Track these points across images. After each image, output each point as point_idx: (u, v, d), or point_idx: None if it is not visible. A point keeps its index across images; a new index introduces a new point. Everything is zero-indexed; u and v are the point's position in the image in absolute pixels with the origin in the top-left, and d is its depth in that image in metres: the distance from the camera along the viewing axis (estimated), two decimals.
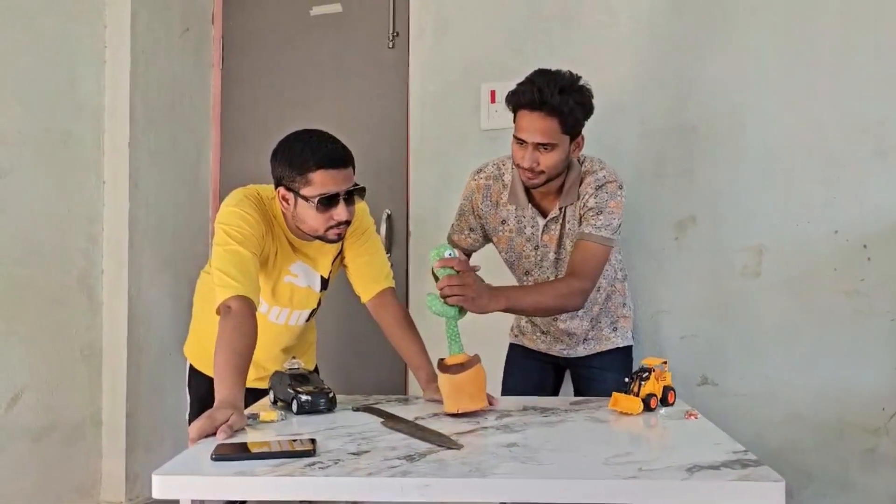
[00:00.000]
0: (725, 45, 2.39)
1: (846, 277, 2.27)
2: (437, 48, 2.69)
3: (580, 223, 1.90)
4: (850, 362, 2.26)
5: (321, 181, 1.65)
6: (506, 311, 1.73)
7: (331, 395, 1.61)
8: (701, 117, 2.41)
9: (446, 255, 1.60)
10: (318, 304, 1.94)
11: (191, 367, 2.02)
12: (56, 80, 2.46)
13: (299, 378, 1.63)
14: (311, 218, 1.68)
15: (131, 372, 2.62)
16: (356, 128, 2.68)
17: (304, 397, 1.58)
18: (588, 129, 2.50)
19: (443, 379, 1.57)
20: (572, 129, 1.81)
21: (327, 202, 1.66)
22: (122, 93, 2.62)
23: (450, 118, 2.67)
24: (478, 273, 1.66)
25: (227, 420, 1.39)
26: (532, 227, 1.97)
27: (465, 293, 1.59)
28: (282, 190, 1.70)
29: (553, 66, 2.53)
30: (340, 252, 1.90)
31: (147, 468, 2.64)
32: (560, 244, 1.97)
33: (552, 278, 2.01)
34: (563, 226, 1.94)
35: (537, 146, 1.79)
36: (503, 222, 2.00)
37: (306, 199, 1.66)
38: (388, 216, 2.75)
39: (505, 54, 2.60)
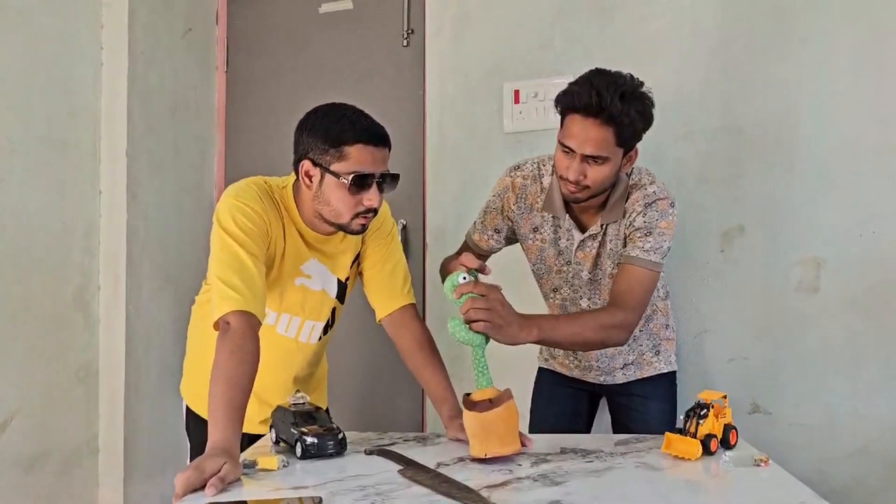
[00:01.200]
0: (778, 38, 2.16)
1: None
2: (456, 46, 2.50)
3: (624, 243, 1.68)
4: None
5: (358, 157, 1.46)
6: (538, 342, 1.50)
7: (340, 436, 1.40)
8: (750, 117, 2.19)
9: (460, 280, 1.38)
10: (333, 318, 1.73)
11: (188, 408, 1.79)
12: (50, 84, 2.30)
13: (305, 416, 1.43)
14: (337, 200, 1.49)
15: (130, 395, 2.46)
16: None
17: (309, 440, 1.37)
18: None
19: (469, 417, 1.36)
20: (628, 142, 1.59)
21: (360, 182, 1.47)
22: (119, 97, 2.46)
23: (470, 121, 2.48)
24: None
25: (219, 471, 1.19)
26: (567, 240, 1.76)
27: (492, 319, 1.36)
28: (306, 164, 1.50)
29: (584, 64, 2.31)
30: (359, 255, 1.69)
31: (147, 497, 2.48)
32: (596, 264, 1.75)
33: (582, 299, 1.80)
34: (602, 244, 1.73)
35: (586, 158, 1.57)
36: (535, 230, 1.79)
37: (337, 175, 1.47)
38: (404, 227, 2.56)
39: (531, 51, 2.40)
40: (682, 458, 1.36)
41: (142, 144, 2.51)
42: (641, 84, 1.58)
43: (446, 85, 2.51)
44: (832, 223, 2.11)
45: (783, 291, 2.16)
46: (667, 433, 1.41)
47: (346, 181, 1.47)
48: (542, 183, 1.76)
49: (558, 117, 1.63)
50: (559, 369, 1.99)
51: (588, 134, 1.55)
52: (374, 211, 1.52)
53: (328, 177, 1.48)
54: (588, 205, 1.69)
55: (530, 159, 1.80)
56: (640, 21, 2.29)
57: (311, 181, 1.51)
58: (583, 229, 1.74)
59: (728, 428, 1.43)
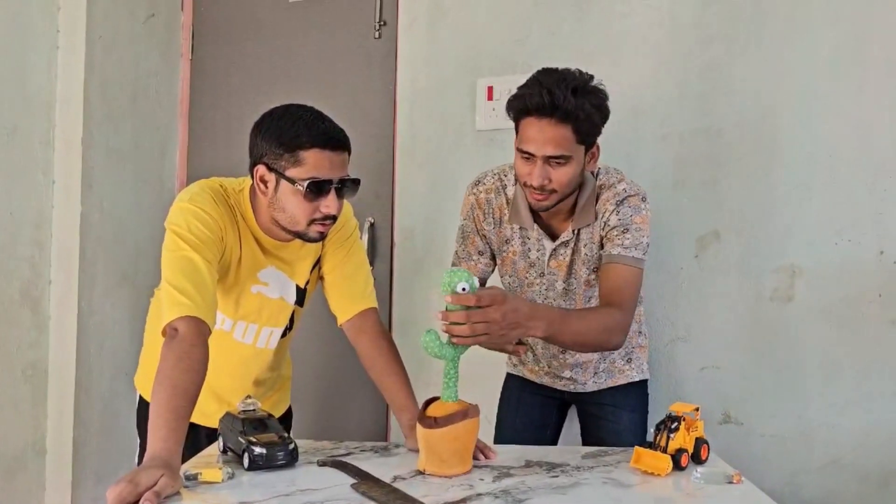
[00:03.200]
0: (758, 39, 2.11)
1: (893, 304, 1.99)
2: (429, 39, 2.42)
3: (601, 246, 1.62)
4: None
5: (314, 162, 1.40)
6: (542, 338, 1.39)
7: (291, 446, 1.32)
8: (728, 120, 2.13)
9: (459, 288, 1.23)
10: (292, 322, 1.66)
11: (141, 400, 1.72)
12: (1, 68, 2.19)
13: (254, 424, 1.34)
14: (293, 206, 1.43)
15: (80, 395, 2.36)
16: None
17: (257, 450, 1.29)
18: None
19: (419, 430, 1.29)
20: (588, 138, 1.52)
21: (317, 189, 1.41)
22: (76, 83, 2.35)
23: (442, 117, 2.40)
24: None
25: (154, 484, 1.10)
26: (538, 250, 1.69)
27: (491, 332, 1.24)
28: (261, 169, 1.43)
29: (562, 60, 2.24)
30: (319, 259, 1.62)
31: (97, 503, 2.39)
32: (571, 272, 1.69)
33: None
34: (575, 251, 1.66)
35: (548, 160, 1.50)
36: (507, 242, 1.72)
37: (292, 181, 1.40)
38: (371, 225, 2.47)
39: (506, 46, 2.33)
40: (652, 474, 1.30)
41: (99, 133, 2.40)
42: (591, 77, 1.52)
43: (418, 79, 2.43)
44: (808, 231, 2.07)
45: (758, 299, 2.11)
46: (636, 447, 1.34)
47: (301, 188, 1.40)
48: (506, 194, 1.69)
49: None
50: (528, 375, 1.92)
51: (546, 135, 1.48)
52: (333, 218, 1.46)
53: (283, 183, 1.42)
54: (556, 210, 1.62)
55: (490, 172, 1.73)
56: (617, 18, 2.23)
57: (266, 187, 1.44)
58: (553, 237, 1.67)
59: (700, 442, 1.37)
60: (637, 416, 1.86)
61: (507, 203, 1.69)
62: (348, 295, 1.60)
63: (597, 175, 1.65)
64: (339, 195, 1.45)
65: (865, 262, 2.02)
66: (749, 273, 2.11)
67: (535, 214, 1.66)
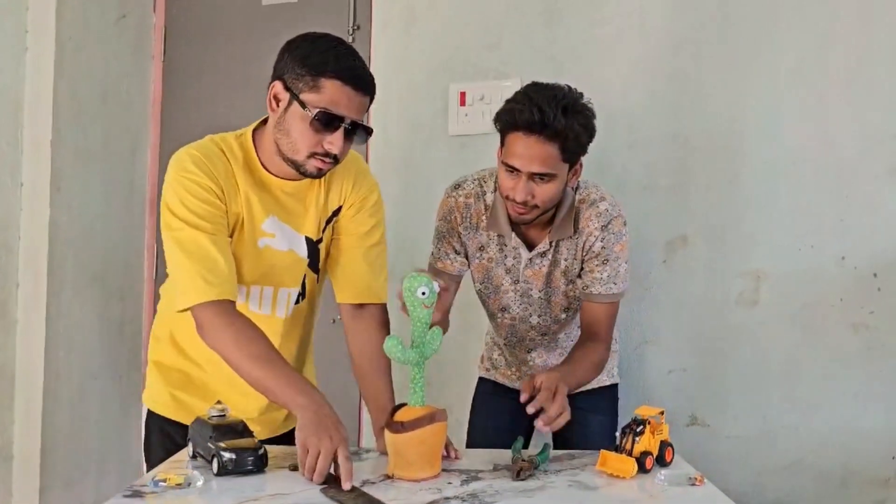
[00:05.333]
0: (726, 48, 2.16)
1: (854, 309, 2.05)
2: (402, 44, 2.43)
3: (582, 265, 1.66)
4: (858, 404, 2.04)
5: (332, 93, 1.33)
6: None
7: (261, 452, 1.32)
8: (696, 126, 2.17)
9: (419, 293, 1.26)
10: (305, 288, 1.56)
11: (149, 413, 1.60)
12: None
13: (224, 429, 1.33)
14: (297, 132, 1.36)
15: (48, 400, 2.33)
16: None
17: (226, 455, 1.28)
18: None
19: (387, 435, 1.30)
20: (573, 157, 1.54)
21: (326, 121, 1.34)
22: (44, 84, 2.32)
23: (415, 121, 2.41)
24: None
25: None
26: (514, 258, 1.71)
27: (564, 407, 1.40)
28: (277, 86, 1.37)
29: (533, 66, 2.29)
30: (336, 215, 1.53)
31: None
32: (548, 282, 1.71)
33: (532, 317, 1.77)
34: (554, 262, 1.68)
35: (533, 176, 1.51)
36: (481, 248, 1.73)
37: (304, 105, 1.34)
38: None
39: (478, 52, 2.35)
40: (617, 477, 1.32)
41: (68, 134, 2.38)
42: (581, 95, 1.54)
43: (391, 83, 2.44)
44: (773, 236, 2.11)
45: (724, 303, 2.15)
46: (602, 451, 1.37)
47: (310, 114, 1.33)
48: (485, 201, 1.70)
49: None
50: (500, 380, 1.94)
51: (533, 152, 1.49)
52: (335, 158, 1.38)
53: (295, 105, 1.35)
54: (535, 221, 1.64)
55: (469, 177, 1.73)
56: (589, 26, 2.26)
57: (277, 105, 1.38)
58: (530, 247, 1.69)
59: (664, 445, 1.39)
60: (607, 420, 1.88)
61: (486, 209, 1.69)
62: (360, 278, 1.54)
63: (576, 188, 1.66)
64: (347, 136, 1.37)
65: (828, 267, 2.07)
66: (716, 277, 2.16)
67: (513, 223, 1.67)
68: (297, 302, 1.56)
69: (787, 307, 2.10)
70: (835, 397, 2.06)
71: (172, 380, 1.58)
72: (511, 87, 2.22)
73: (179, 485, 1.22)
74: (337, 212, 1.55)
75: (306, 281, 1.56)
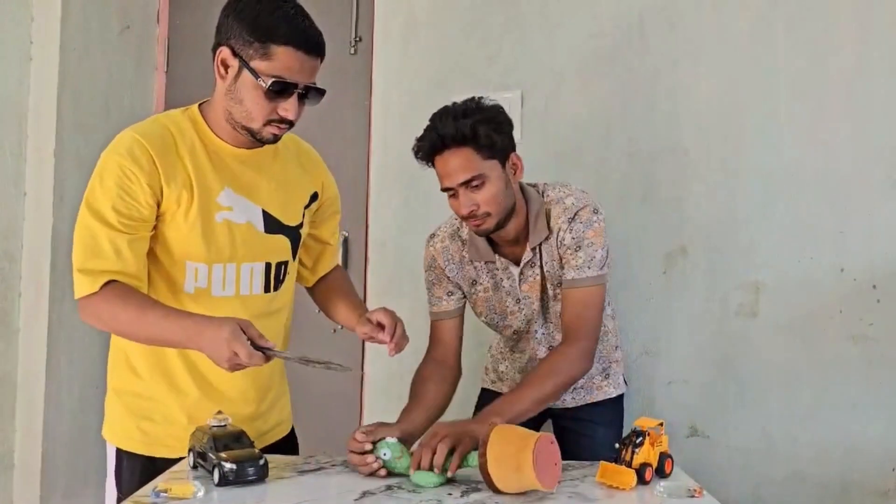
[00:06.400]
0: (724, 60, 2.17)
1: (853, 320, 2.05)
2: (404, 55, 2.45)
3: (560, 264, 1.65)
4: (857, 416, 2.03)
5: (284, 61, 1.31)
6: (509, 423, 1.41)
7: (262, 462, 1.32)
8: (695, 138, 2.18)
9: (381, 453, 1.37)
10: (283, 274, 1.52)
11: (118, 452, 1.48)
12: None
13: (224, 440, 1.34)
14: (251, 101, 1.34)
15: (49, 409, 2.34)
16: (312, 140, 2.37)
17: (227, 465, 1.29)
18: (570, 147, 2.28)
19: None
20: (493, 152, 1.56)
21: (280, 89, 1.32)
22: (48, 94, 2.35)
23: (416, 133, 2.37)
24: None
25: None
26: (508, 278, 1.72)
27: (456, 443, 1.36)
28: (225, 52, 1.34)
29: (533, 78, 2.31)
30: (313, 202, 1.60)
31: None
32: (544, 290, 1.71)
33: (534, 325, 1.76)
34: (542, 268, 1.69)
35: (466, 187, 1.55)
36: (474, 283, 1.75)
37: (256, 75, 1.31)
38: (345, 239, 2.48)
39: (479, 63, 2.36)
40: (617, 488, 1.32)
41: (71, 144, 2.40)
42: (477, 99, 1.59)
43: (392, 95, 2.46)
44: (772, 247, 2.12)
45: (723, 315, 2.15)
46: (602, 462, 1.37)
47: (264, 84, 1.31)
48: (461, 237, 1.73)
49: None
50: (506, 391, 1.93)
51: (449, 165, 1.55)
52: (290, 123, 1.38)
53: (246, 73, 1.32)
54: (509, 235, 1.66)
55: (441, 225, 1.77)
56: (588, 37, 2.27)
57: (226, 72, 1.35)
58: (517, 262, 1.70)
59: (664, 456, 1.40)
60: (612, 431, 1.87)
61: (463, 244, 1.72)
62: (329, 263, 1.72)
63: (543, 192, 1.68)
64: (301, 101, 1.37)
65: (827, 279, 2.07)
66: (715, 289, 2.16)
67: (494, 245, 1.69)
68: (267, 288, 1.50)
69: (786, 318, 2.10)
70: (834, 409, 2.06)
71: (134, 408, 1.47)
72: (511, 99, 2.25)
73: (180, 496, 1.22)
74: (314, 197, 1.60)
75: (287, 270, 1.54)
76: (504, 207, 1.59)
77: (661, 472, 1.39)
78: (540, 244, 1.66)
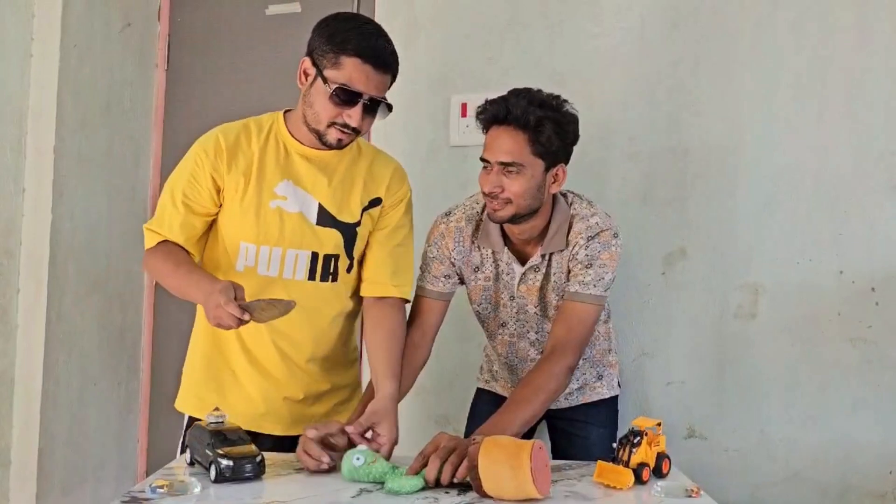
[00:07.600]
0: (725, 62, 2.17)
1: (852, 323, 2.05)
2: (404, 55, 2.38)
3: (568, 277, 1.65)
4: (856, 418, 2.03)
5: (351, 71, 1.45)
6: None
7: (258, 459, 1.32)
8: (695, 139, 2.18)
9: (355, 461, 1.30)
10: (336, 269, 1.60)
11: (189, 420, 1.65)
12: None
13: (221, 436, 1.34)
14: (319, 104, 1.48)
15: (47, 405, 2.33)
16: None
17: (224, 462, 1.29)
18: None
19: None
20: (546, 153, 1.56)
21: (344, 97, 1.46)
22: (49, 91, 2.34)
23: (416, 132, 2.42)
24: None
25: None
26: (508, 274, 1.71)
27: (457, 453, 1.30)
28: (306, 62, 1.51)
29: (534, 78, 2.28)
30: (375, 205, 1.62)
31: None
32: (542, 297, 1.71)
33: (529, 333, 1.77)
34: (546, 277, 1.68)
35: (502, 167, 1.55)
36: (476, 269, 1.74)
37: (325, 81, 1.46)
38: None
39: (479, 64, 2.37)
40: (614, 488, 1.32)
41: (71, 141, 2.39)
42: (560, 98, 1.58)
43: (393, 94, 2.44)
44: (771, 249, 2.12)
45: (722, 316, 2.15)
46: (599, 462, 1.37)
47: (329, 89, 1.45)
48: (477, 219, 1.72)
49: None
50: (500, 391, 1.93)
51: (500, 141, 1.55)
52: (354, 130, 1.49)
53: (319, 80, 1.47)
54: (526, 235, 1.65)
55: (461, 203, 1.76)
56: (589, 38, 2.27)
57: (305, 79, 1.51)
58: (523, 262, 1.70)
59: (661, 457, 1.40)
60: (606, 432, 1.88)
61: (478, 228, 1.71)
62: (385, 273, 1.62)
63: (571, 204, 1.67)
64: (367, 112, 1.48)
65: (826, 281, 2.07)
66: (714, 290, 2.16)
67: (506, 238, 1.68)
68: (311, 276, 1.59)
69: (785, 321, 2.10)
70: (833, 411, 2.05)
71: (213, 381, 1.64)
72: None
73: (177, 492, 1.22)
74: (376, 202, 1.63)
75: (339, 265, 1.61)
76: (527, 205, 1.59)
77: (658, 472, 1.39)
78: (552, 254, 1.66)
